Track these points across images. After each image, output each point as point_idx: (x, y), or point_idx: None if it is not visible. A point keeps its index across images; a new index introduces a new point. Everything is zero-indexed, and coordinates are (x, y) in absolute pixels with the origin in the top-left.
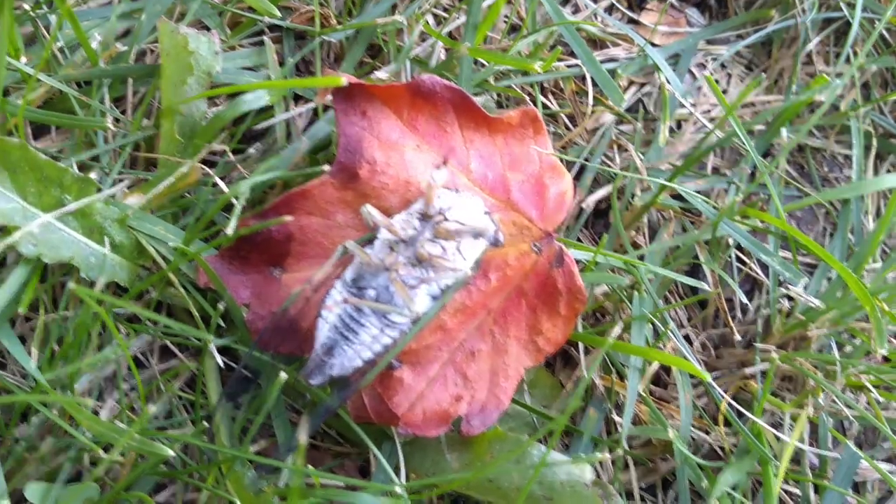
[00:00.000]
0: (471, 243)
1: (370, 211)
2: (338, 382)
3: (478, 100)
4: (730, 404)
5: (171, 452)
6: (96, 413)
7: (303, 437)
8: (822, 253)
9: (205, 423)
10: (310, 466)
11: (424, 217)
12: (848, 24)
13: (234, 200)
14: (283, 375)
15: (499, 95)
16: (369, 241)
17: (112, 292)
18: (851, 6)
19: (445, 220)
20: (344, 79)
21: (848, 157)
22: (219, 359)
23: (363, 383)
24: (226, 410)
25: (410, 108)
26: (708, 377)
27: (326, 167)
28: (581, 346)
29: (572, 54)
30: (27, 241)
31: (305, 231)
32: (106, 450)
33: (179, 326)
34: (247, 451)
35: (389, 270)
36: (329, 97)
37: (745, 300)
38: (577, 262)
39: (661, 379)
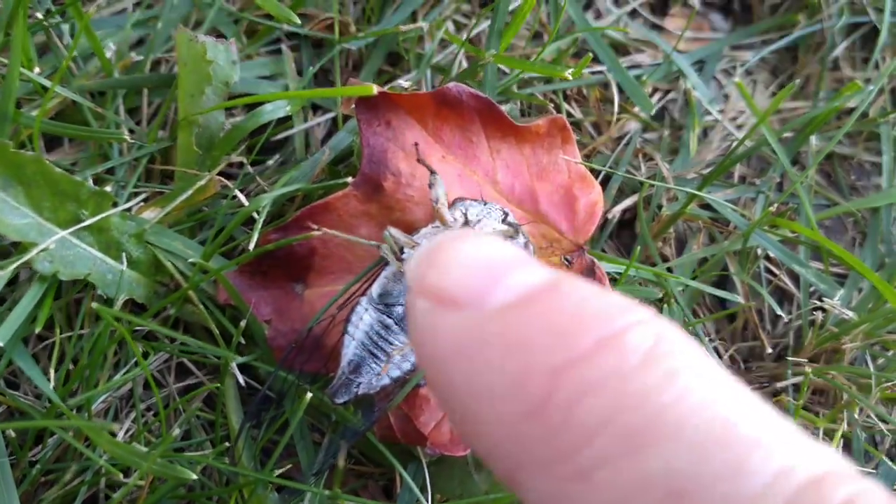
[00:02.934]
0: None
1: (393, 234)
2: (363, 402)
3: (503, 108)
4: None
5: (193, 476)
6: (113, 434)
7: (340, 461)
8: (858, 264)
9: (225, 444)
10: (336, 489)
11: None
12: (874, 29)
13: (255, 214)
14: (308, 395)
15: (520, 103)
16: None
17: (129, 309)
18: (879, 10)
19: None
20: (374, 88)
21: (876, 165)
22: (240, 378)
23: (392, 404)
24: (247, 431)
25: (435, 118)
26: None
27: (349, 179)
28: None
29: (595, 61)
30: (43, 257)
31: (328, 245)
32: (124, 473)
33: (199, 344)
34: (270, 474)
35: None
36: (352, 107)
37: (779, 312)
38: (607, 274)
39: None
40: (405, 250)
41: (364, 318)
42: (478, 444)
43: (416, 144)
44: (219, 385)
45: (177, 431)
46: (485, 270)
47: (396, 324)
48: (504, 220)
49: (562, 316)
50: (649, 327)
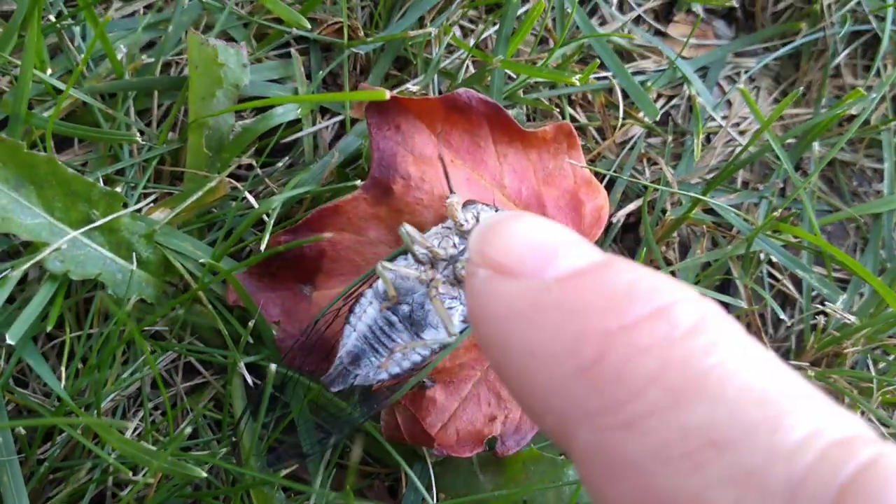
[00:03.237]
0: None
1: (408, 231)
2: (361, 392)
3: (510, 113)
4: None
5: (203, 474)
6: (122, 432)
7: (356, 453)
8: (860, 269)
9: (231, 439)
10: (348, 488)
11: (463, 235)
12: (876, 37)
13: (265, 217)
14: (312, 390)
15: (526, 108)
16: (402, 253)
17: (137, 309)
18: (881, 19)
19: None
20: (387, 93)
21: (877, 171)
22: (248, 378)
23: (393, 399)
24: (252, 429)
25: (445, 123)
26: None
27: (358, 182)
28: None
29: (600, 67)
30: (55, 257)
31: (337, 247)
32: (133, 471)
33: (204, 348)
34: (277, 475)
35: (429, 287)
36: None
37: (782, 316)
38: None
39: None
40: (417, 249)
41: (368, 311)
42: (529, 399)
43: (441, 158)
44: (227, 385)
45: (188, 430)
46: (543, 246)
47: (401, 321)
48: None
49: (616, 288)
50: (696, 304)
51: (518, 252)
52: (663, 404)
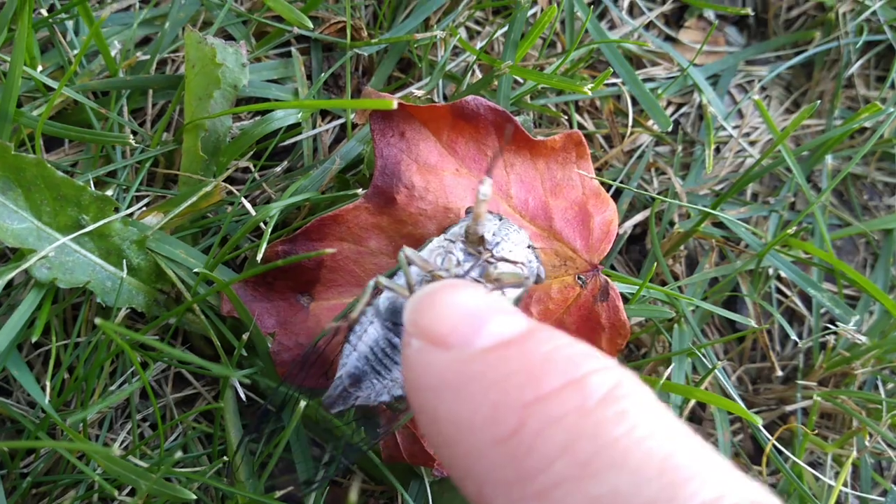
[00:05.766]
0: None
1: (408, 255)
2: (363, 415)
3: (518, 119)
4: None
5: (192, 496)
6: (108, 445)
7: (353, 495)
8: (872, 288)
9: (223, 458)
10: None
11: (467, 248)
12: (890, 48)
13: (262, 225)
14: (303, 405)
15: (532, 114)
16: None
17: (127, 317)
18: (895, 29)
19: (493, 256)
20: (395, 102)
21: (888, 185)
22: (241, 393)
23: (398, 425)
24: (246, 445)
25: (451, 130)
26: (759, 421)
27: (360, 190)
28: None
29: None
30: (42, 264)
31: (336, 257)
32: (118, 489)
33: (199, 362)
34: (271, 497)
35: None
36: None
37: (793, 336)
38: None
39: (696, 414)
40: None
41: (368, 330)
42: (453, 466)
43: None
44: (221, 405)
45: (179, 454)
46: (471, 317)
47: None
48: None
49: (535, 359)
50: (610, 374)
51: (448, 322)
52: (571, 475)
